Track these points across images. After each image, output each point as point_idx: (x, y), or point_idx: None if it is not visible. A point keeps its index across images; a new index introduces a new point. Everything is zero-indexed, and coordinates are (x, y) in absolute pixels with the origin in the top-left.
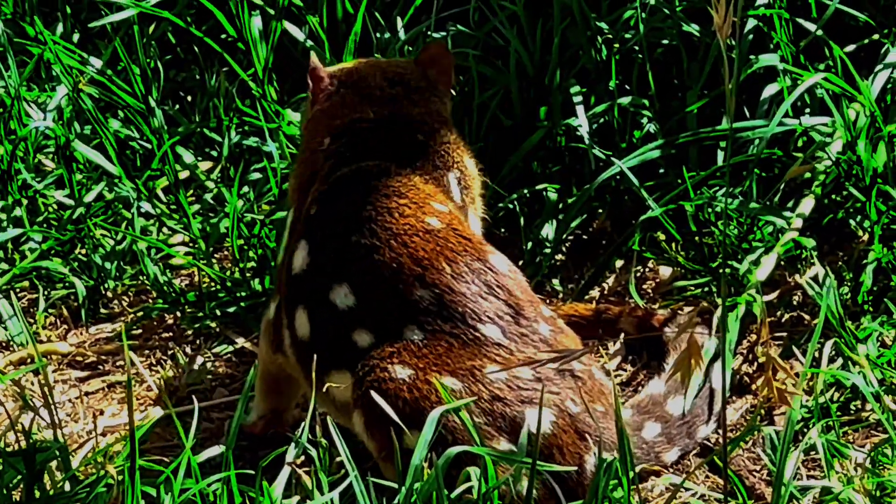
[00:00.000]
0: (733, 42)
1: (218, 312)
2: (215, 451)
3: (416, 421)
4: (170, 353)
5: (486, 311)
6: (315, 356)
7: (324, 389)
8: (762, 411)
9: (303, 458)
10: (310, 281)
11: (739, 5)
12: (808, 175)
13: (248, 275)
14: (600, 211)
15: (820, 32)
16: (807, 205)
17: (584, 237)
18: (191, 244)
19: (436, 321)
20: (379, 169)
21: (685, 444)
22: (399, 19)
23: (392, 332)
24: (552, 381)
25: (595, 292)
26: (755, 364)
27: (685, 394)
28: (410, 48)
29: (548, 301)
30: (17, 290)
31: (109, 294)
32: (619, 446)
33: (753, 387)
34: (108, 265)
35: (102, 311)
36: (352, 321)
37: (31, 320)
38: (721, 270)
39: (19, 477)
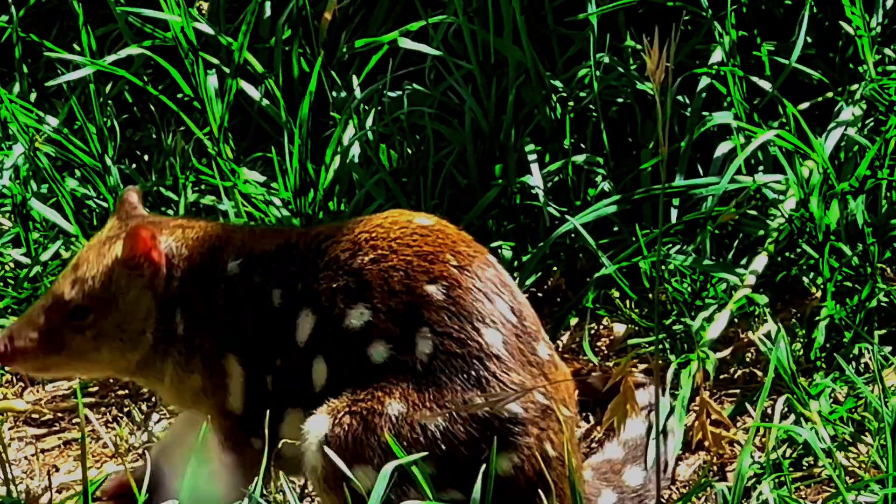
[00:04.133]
0: (686, 98)
1: None
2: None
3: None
4: (125, 410)
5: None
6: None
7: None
8: (714, 467)
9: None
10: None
11: (672, 51)
12: (760, 232)
13: None
14: (555, 268)
15: (773, 90)
16: (760, 262)
17: (539, 294)
18: None
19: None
20: None
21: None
22: (355, 78)
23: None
24: (537, 420)
25: None
26: (709, 420)
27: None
28: (366, 107)
29: None
30: None
31: None
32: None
33: (706, 443)
34: None
35: None
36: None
37: None
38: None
39: None
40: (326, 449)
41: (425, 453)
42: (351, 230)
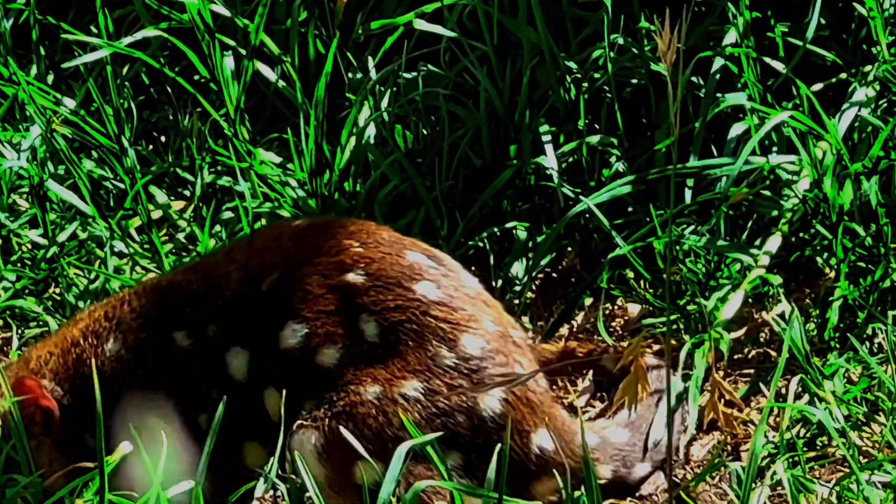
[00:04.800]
0: (700, 80)
1: None
2: (185, 486)
3: (379, 448)
4: None
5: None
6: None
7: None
8: (728, 447)
9: (271, 493)
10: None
11: (684, 32)
12: (774, 213)
13: None
14: (569, 249)
15: (787, 71)
16: (774, 242)
17: (554, 275)
18: None
19: None
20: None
21: (656, 461)
22: (370, 59)
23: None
24: (499, 354)
25: (564, 330)
26: (722, 401)
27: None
28: (381, 88)
29: None
30: None
31: None
32: (586, 479)
33: (719, 423)
34: (81, 304)
35: None
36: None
37: (5, 358)
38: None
39: None
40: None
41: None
42: (233, 261)
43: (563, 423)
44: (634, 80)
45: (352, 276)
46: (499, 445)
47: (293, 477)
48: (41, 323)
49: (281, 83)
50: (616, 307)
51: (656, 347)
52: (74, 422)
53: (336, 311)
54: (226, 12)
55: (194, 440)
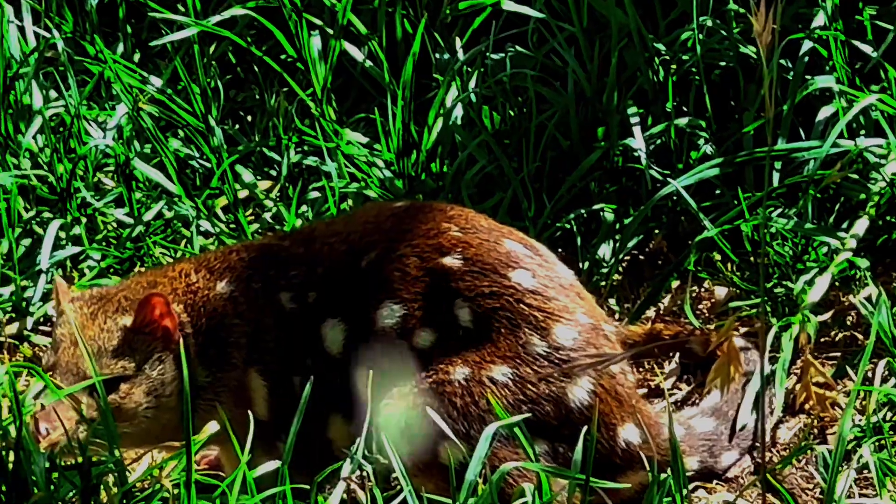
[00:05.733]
0: (788, 62)
1: None
2: (271, 465)
3: (464, 429)
4: None
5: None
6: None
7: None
8: (815, 430)
9: (357, 473)
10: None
11: (779, 13)
12: (862, 196)
13: None
14: (657, 231)
15: (875, 53)
16: (861, 225)
17: (641, 257)
18: None
19: None
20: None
21: (743, 447)
22: (458, 40)
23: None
24: (590, 346)
25: (651, 312)
26: (812, 381)
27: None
28: (469, 69)
29: None
30: None
31: None
32: (672, 462)
33: (807, 406)
34: None
35: None
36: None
37: None
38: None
39: (74, 491)
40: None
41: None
42: (335, 232)
43: (649, 418)
44: (723, 63)
45: (449, 260)
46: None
47: (379, 457)
48: None
49: (368, 63)
50: (703, 290)
51: (742, 330)
52: (187, 350)
53: (431, 294)
54: None
55: (287, 399)
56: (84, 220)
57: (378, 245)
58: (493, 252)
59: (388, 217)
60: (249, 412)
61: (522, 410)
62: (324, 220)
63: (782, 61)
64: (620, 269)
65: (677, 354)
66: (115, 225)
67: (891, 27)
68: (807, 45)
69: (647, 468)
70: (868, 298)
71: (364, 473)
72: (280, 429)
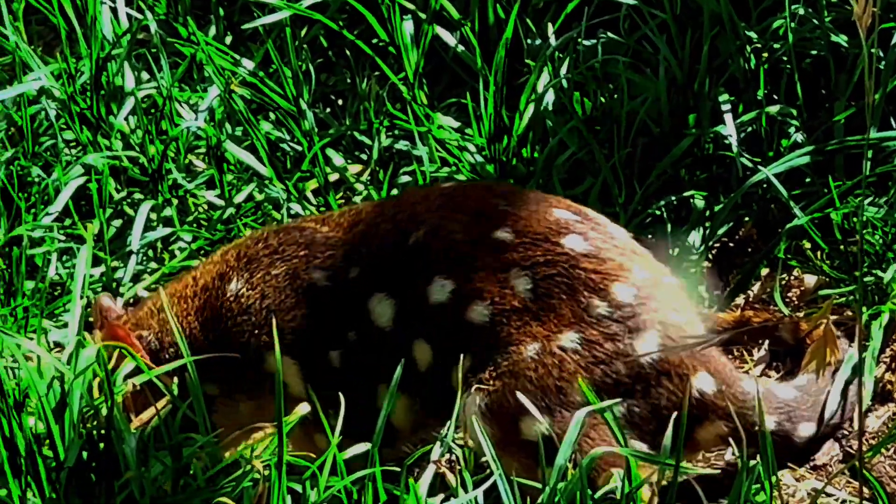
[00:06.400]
0: (880, 51)
1: None
2: (361, 448)
3: (542, 401)
4: None
5: None
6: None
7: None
8: None
9: (447, 456)
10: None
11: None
12: None
13: None
14: (746, 219)
15: None
16: None
17: (730, 244)
18: None
19: None
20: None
21: (828, 426)
22: (550, 25)
23: None
24: (651, 300)
25: (740, 299)
26: None
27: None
28: (560, 54)
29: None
30: None
31: None
32: (762, 451)
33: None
34: None
35: None
36: None
37: None
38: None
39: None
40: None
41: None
42: (381, 213)
43: (723, 366)
44: (814, 52)
45: (500, 234)
46: (664, 400)
47: (465, 440)
48: None
49: (460, 48)
50: (792, 278)
51: (832, 318)
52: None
53: (484, 268)
54: None
55: (324, 373)
56: (175, 201)
57: (426, 223)
58: (543, 221)
59: (436, 197)
60: (310, 393)
61: (595, 373)
62: (370, 202)
63: (873, 50)
64: (710, 256)
65: (766, 342)
66: (205, 207)
67: None
68: None
69: (723, 418)
70: None
71: (453, 456)
72: (324, 401)
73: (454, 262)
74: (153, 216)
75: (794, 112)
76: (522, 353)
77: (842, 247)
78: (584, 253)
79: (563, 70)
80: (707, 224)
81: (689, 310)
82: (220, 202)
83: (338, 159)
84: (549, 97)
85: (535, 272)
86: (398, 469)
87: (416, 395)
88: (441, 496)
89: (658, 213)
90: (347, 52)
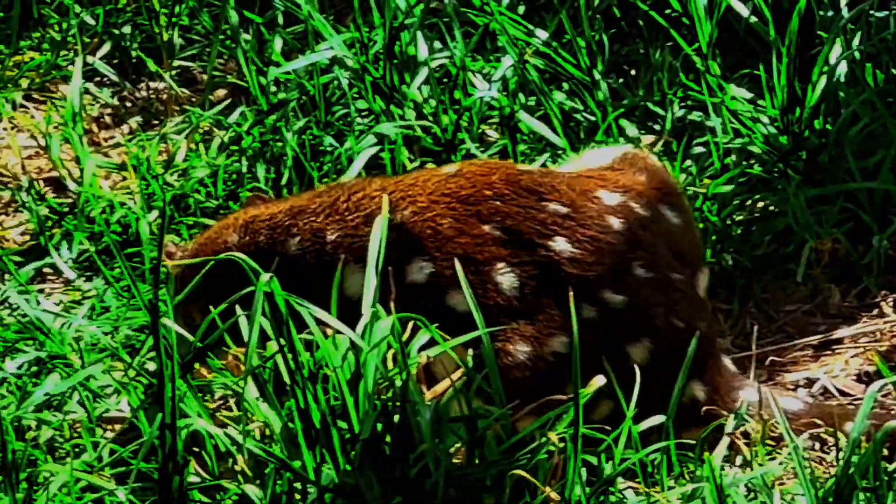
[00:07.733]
0: None
1: None
2: (656, 420)
3: None
4: None
5: None
6: None
7: None
8: None
9: (742, 429)
10: None
11: None
12: None
13: None
14: None
15: None
16: None
17: None
18: None
19: None
20: None
21: None
22: None
23: None
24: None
25: None
26: None
27: None
28: (853, 27)
29: None
30: None
31: None
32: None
33: None
34: None
35: None
36: None
37: None
38: None
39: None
40: None
41: None
42: (380, 187)
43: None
44: None
45: (487, 228)
46: None
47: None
48: None
49: (753, 19)
50: None
51: None
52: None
53: (467, 259)
54: None
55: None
56: None
57: (414, 203)
58: (532, 220)
59: (435, 180)
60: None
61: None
62: (382, 177)
63: None
64: None
65: None
66: None
67: None
68: None
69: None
70: None
71: (748, 430)
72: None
73: (435, 246)
74: None
75: None
76: (512, 355)
77: None
78: (570, 257)
79: (856, 42)
80: None
81: (696, 303)
82: None
83: (631, 130)
84: (842, 69)
85: (525, 270)
86: (692, 441)
87: None
88: (737, 468)
89: None
90: (640, 23)
